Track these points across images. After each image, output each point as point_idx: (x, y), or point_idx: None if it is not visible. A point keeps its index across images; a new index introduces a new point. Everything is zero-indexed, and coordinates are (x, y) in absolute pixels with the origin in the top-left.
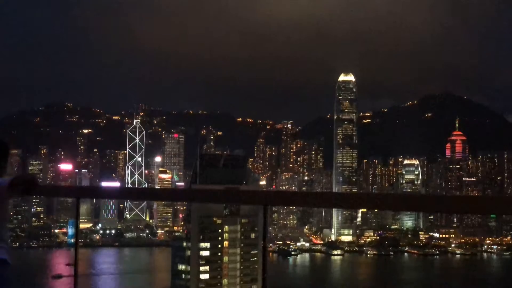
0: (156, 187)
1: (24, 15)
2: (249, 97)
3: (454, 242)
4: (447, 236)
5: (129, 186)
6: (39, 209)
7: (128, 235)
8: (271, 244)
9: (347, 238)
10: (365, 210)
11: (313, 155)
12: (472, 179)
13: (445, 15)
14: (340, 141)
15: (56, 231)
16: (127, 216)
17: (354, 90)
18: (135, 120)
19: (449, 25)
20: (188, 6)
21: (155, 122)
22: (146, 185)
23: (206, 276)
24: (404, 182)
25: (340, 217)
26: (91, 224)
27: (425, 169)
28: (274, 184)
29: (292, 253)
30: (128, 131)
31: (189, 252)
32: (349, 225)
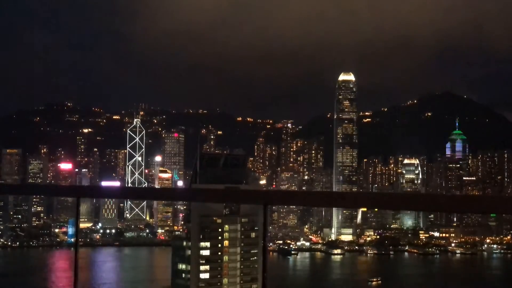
0: (156, 186)
1: (22, 13)
2: (249, 97)
3: (454, 241)
4: (447, 235)
5: (129, 185)
6: (39, 208)
7: (128, 234)
8: (271, 244)
9: (347, 237)
10: (365, 209)
11: (313, 155)
12: (472, 178)
13: (446, 13)
14: (340, 141)
15: (56, 230)
16: (127, 215)
17: (354, 89)
18: (135, 120)
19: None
20: (188, 5)
21: (155, 121)
22: (146, 184)
23: (206, 275)
24: (404, 181)
25: (340, 217)
26: (91, 224)
27: (425, 168)
28: (274, 183)
29: (292, 252)
30: (128, 131)
31: (189, 252)
32: (349, 224)
